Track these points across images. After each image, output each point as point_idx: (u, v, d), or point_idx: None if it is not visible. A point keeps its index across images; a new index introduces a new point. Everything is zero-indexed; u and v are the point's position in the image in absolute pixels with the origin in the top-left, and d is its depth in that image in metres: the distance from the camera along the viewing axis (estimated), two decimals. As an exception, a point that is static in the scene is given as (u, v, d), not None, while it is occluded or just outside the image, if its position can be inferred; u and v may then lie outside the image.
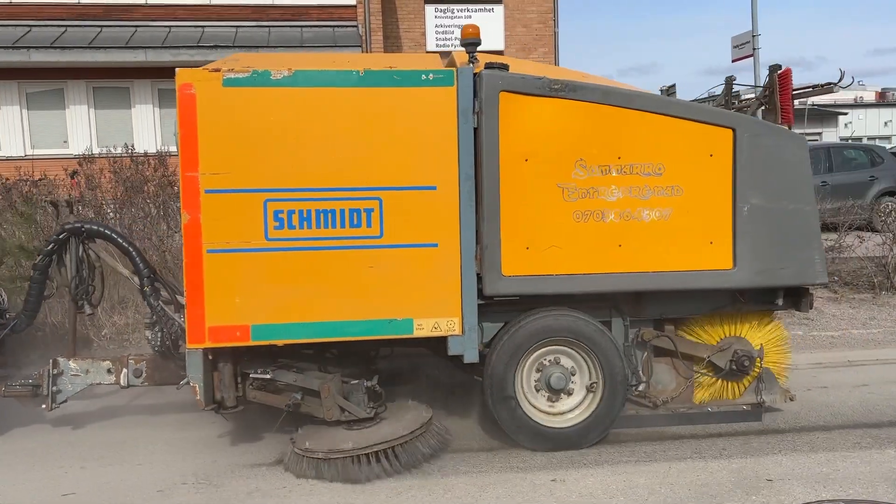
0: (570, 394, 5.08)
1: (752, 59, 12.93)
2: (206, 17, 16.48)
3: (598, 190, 4.88)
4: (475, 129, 4.75)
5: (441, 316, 4.80)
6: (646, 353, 5.37)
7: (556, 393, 5.04)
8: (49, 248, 5.53)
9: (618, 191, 4.90)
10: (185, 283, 4.61)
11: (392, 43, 17.72)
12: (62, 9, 16.08)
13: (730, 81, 6.36)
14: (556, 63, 18.33)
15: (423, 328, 4.79)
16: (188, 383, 4.76)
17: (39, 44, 15.20)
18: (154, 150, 13.20)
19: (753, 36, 12.86)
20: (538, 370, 5.07)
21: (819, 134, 40.55)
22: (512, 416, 4.97)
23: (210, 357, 4.80)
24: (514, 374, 4.94)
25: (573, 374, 5.08)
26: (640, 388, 5.39)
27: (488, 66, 4.82)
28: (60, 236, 5.53)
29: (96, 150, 13.72)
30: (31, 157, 15.46)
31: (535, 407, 5.06)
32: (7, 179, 10.29)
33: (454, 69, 4.74)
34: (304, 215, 4.68)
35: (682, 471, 4.68)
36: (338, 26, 16.80)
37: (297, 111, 4.64)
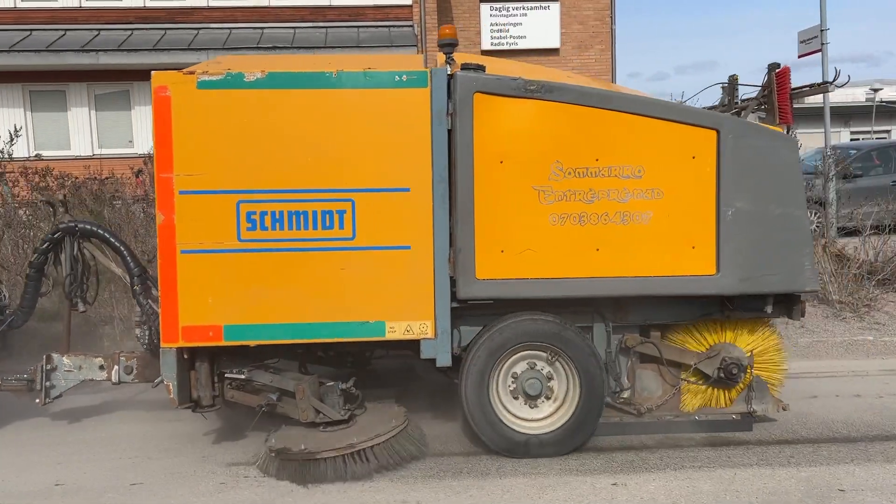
0: (547, 399, 4.99)
1: (820, 54, 12.42)
2: (264, 20, 16.76)
3: (576, 192, 4.78)
4: (449, 131, 4.70)
5: (413, 319, 4.76)
6: (630, 360, 5.24)
7: (532, 398, 4.96)
8: (44, 246, 5.67)
9: (596, 194, 4.78)
10: (160, 282, 4.67)
11: (447, 42, 17.66)
12: (128, 12, 16.60)
13: (733, 81, 6.16)
14: (613, 61, 18.12)
15: (396, 331, 4.76)
16: (162, 381, 4.82)
17: (107, 47, 15.63)
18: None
19: (822, 30, 12.34)
20: (514, 376, 4.99)
21: (888, 131, 39.00)
22: (488, 422, 4.90)
23: (186, 356, 4.85)
24: (489, 379, 4.88)
25: (550, 380, 4.98)
26: (625, 394, 5.27)
27: (464, 66, 4.76)
28: (55, 235, 5.66)
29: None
30: (98, 157, 15.89)
31: (511, 412, 4.99)
32: (77, 178, 10.50)
33: (428, 70, 4.70)
34: (277, 217, 4.69)
35: (748, 478, 4.54)
36: (394, 26, 16.88)
37: (271, 113, 4.66)
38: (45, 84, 16.44)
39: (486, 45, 17.60)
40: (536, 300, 4.87)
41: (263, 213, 4.68)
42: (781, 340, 5.38)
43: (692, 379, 5.25)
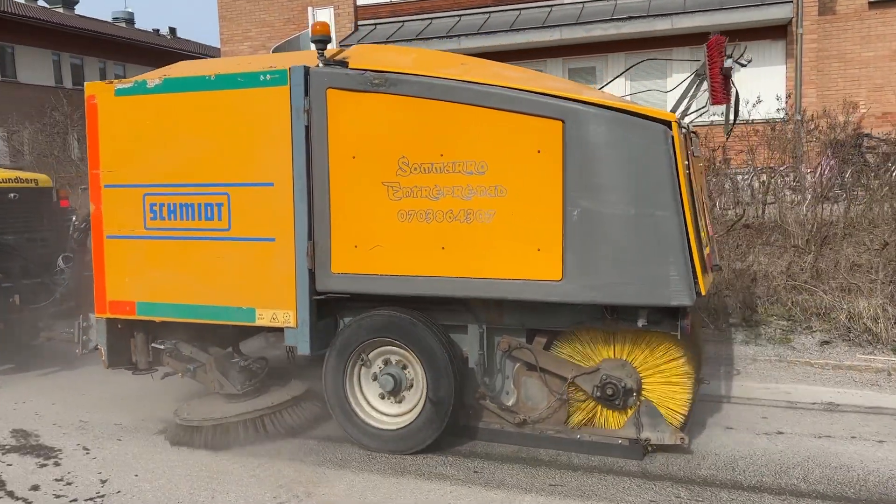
0: (406, 394, 4.93)
1: None
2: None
3: (422, 189, 4.61)
4: (307, 127, 4.82)
5: (279, 308, 5.01)
6: (516, 366, 4.92)
7: (392, 394, 4.93)
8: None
9: (440, 190, 4.57)
10: (94, 262, 5.50)
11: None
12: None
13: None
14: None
15: (264, 318, 5.06)
16: (96, 347, 5.68)
17: (468, 31, 16.44)
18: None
19: None
20: (377, 370, 4.99)
21: None
22: (344, 413, 5.00)
23: (120, 326, 5.63)
24: (344, 372, 4.96)
25: (409, 377, 4.90)
26: (510, 402, 4.97)
27: (325, 63, 4.83)
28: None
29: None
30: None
31: (373, 407, 5.01)
32: None
33: (287, 68, 4.85)
34: (172, 208, 5.23)
35: None
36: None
37: (165, 114, 5.19)
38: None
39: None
40: (397, 297, 4.81)
41: (162, 205, 5.25)
42: (688, 363, 4.62)
43: (576, 394, 4.77)
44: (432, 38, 16.15)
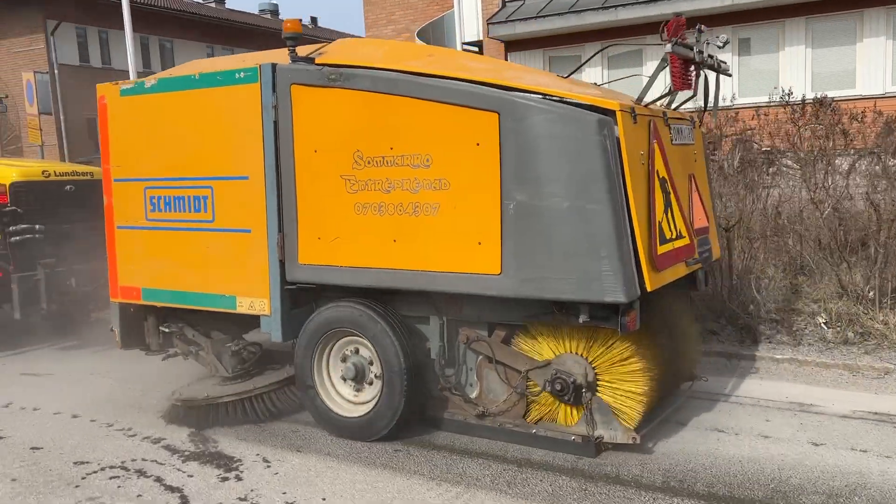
0: (369, 385, 5.03)
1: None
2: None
3: (375, 182, 4.68)
4: (275, 123, 5.00)
5: (255, 296, 5.24)
6: (480, 358, 4.90)
7: (356, 382, 5.05)
8: None
9: (392, 184, 4.62)
10: (107, 250, 5.95)
11: None
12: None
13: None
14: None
15: (243, 305, 5.30)
16: (112, 329, 6.13)
17: (624, 1, 14.31)
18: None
19: None
20: (342, 360, 5.12)
21: None
22: (312, 403, 5.16)
23: (132, 310, 6.06)
24: (311, 360, 5.11)
25: (371, 365, 5.00)
26: (473, 393, 4.96)
27: (293, 59, 4.97)
28: None
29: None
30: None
31: (341, 395, 5.14)
32: None
33: (258, 66, 5.04)
34: (167, 201, 5.58)
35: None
36: None
37: (160, 112, 5.52)
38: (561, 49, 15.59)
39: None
40: (358, 288, 4.92)
41: (160, 198, 5.61)
42: (640, 361, 4.44)
43: (534, 388, 4.70)
44: (585, 10, 14.67)
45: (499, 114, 4.19)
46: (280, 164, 4.99)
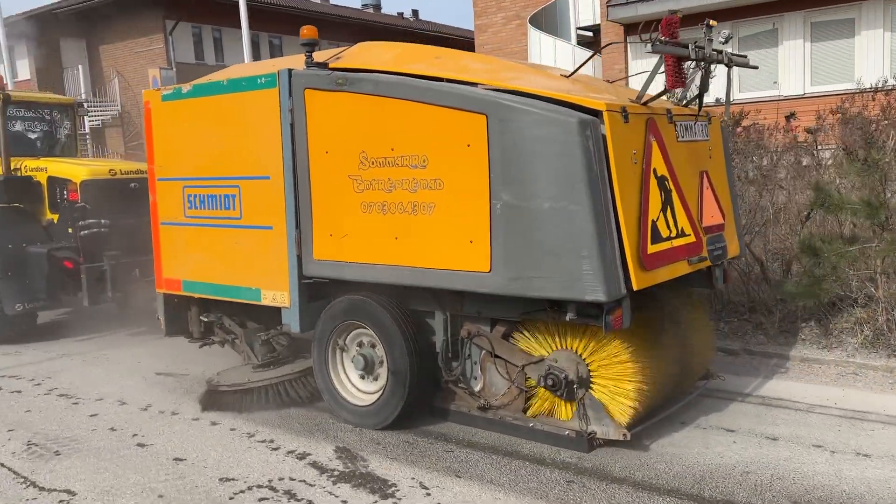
0: (378, 374, 5.24)
1: None
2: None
3: (379, 182, 4.87)
4: (291, 125, 5.27)
5: (277, 290, 5.54)
6: (483, 352, 5.04)
7: (366, 372, 5.27)
8: None
9: (393, 184, 4.80)
10: (153, 244, 6.40)
11: None
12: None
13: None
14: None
15: (267, 298, 5.62)
16: (158, 318, 6.59)
17: None
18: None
19: None
20: (353, 351, 5.35)
21: None
22: (327, 390, 5.42)
23: (176, 300, 6.51)
24: (325, 351, 5.37)
25: (379, 357, 5.21)
26: (477, 386, 5.11)
27: (308, 65, 5.23)
28: None
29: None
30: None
31: (353, 384, 5.38)
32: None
33: (277, 72, 5.32)
34: (203, 199, 5.96)
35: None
36: None
37: (194, 116, 5.91)
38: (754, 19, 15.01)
39: None
40: (368, 283, 5.13)
41: (196, 196, 6.00)
42: (635, 359, 4.46)
43: (530, 382, 4.80)
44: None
45: (487, 115, 4.30)
46: (296, 164, 5.26)
